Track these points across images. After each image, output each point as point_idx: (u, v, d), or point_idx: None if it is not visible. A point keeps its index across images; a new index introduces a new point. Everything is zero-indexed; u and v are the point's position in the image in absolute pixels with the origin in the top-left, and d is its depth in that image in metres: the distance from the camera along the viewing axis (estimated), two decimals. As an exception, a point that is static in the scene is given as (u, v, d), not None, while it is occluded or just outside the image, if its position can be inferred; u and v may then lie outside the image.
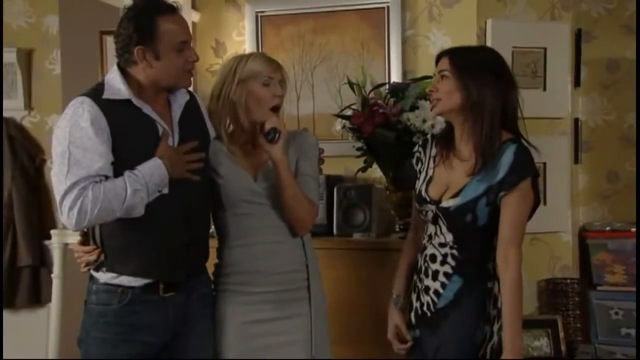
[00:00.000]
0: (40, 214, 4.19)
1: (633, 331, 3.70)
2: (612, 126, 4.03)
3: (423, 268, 2.34)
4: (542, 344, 3.50)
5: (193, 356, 2.39)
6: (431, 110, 2.37)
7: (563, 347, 3.50)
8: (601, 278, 3.80)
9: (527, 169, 2.20)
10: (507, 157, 2.18)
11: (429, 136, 2.47)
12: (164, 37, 2.24)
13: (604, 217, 4.02)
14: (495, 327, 2.22)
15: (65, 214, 2.17)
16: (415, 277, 2.40)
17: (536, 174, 2.24)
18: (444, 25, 3.51)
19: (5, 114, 4.15)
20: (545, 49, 3.63)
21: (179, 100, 2.39)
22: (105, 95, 2.24)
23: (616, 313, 3.76)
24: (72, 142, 2.18)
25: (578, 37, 3.89)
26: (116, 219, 2.22)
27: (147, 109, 2.28)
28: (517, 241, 2.21)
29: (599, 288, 3.79)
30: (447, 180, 2.29)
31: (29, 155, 4.18)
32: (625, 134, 4.01)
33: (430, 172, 2.35)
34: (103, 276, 2.31)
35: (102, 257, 2.31)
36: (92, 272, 2.34)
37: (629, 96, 3.99)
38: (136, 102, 2.27)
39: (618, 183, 4.01)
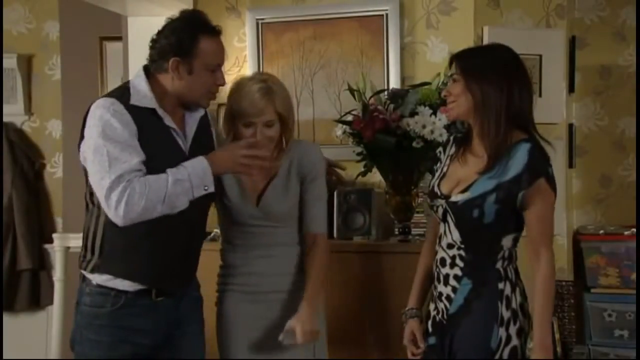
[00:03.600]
0: (40, 218, 4.22)
1: (626, 333, 3.77)
2: (605, 131, 4.11)
3: (436, 274, 2.35)
4: (538, 345, 3.55)
5: (186, 356, 2.44)
6: (448, 113, 2.37)
7: (558, 348, 3.56)
8: (595, 280, 3.86)
9: (541, 169, 2.20)
10: (521, 157, 2.18)
11: (451, 137, 2.48)
12: (201, 55, 2.27)
13: (597, 220, 4.09)
14: (512, 330, 2.22)
15: (113, 208, 2.15)
16: (432, 285, 2.39)
17: (550, 174, 2.23)
18: (442, 32, 3.56)
19: (5, 119, 4.18)
20: (540, 55, 3.68)
21: (194, 116, 2.41)
22: (133, 101, 2.27)
23: (609, 315, 3.82)
24: (108, 140, 2.19)
25: (572, 44, 3.96)
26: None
27: (168, 120, 2.31)
28: (547, 240, 2.23)
29: (592, 290, 3.86)
30: (459, 176, 2.30)
31: (28, 160, 4.21)
32: (617, 139, 4.09)
33: (445, 168, 2.37)
34: (97, 278, 2.32)
35: (96, 259, 2.32)
36: (85, 273, 2.36)
37: (621, 102, 4.07)
38: (160, 112, 2.29)
39: (611, 187, 4.09)
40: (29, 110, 4.25)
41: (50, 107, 4.20)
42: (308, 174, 2.56)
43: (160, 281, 2.34)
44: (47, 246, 4.07)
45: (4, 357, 3.72)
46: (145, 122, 2.26)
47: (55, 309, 3.74)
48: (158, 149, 2.26)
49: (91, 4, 3.91)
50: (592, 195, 4.11)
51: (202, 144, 2.40)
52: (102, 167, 2.17)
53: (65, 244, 3.71)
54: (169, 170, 2.19)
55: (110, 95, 2.30)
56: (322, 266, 2.56)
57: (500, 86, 2.21)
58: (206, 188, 2.22)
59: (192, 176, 2.20)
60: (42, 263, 4.15)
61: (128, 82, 2.36)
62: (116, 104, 2.24)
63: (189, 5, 3.79)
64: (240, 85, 2.50)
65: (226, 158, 2.27)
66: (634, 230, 3.79)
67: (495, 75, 2.22)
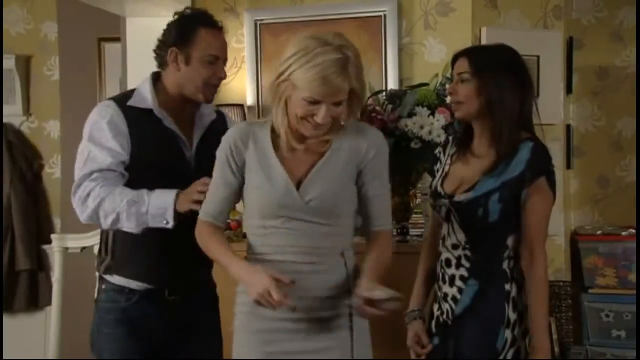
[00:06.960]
0: (39, 218, 4.21)
1: (623, 333, 3.78)
2: (602, 132, 4.12)
3: (440, 275, 2.31)
4: (535, 345, 3.56)
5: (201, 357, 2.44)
6: (453, 113, 2.33)
7: (556, 349, 3.56)
8: (592, 281, 3.87)
9: (543, 167, 2.18)
10: (524, 155, 2.16)
11: (450, 137, 2.46)
12: (199, 45, 2.29)
13: (594, 221, 4.11)
14: (518, 332, 2.20)
15: (75, 204, 2.25)
16: (435, 285, 2.36)
17: (551, 172, 2.21)
18: (440, 33, 3.58)
19: (4, 120, 4.16)
20: (538, 56, 3.69)
21: (204, 120, 2.42)
22: (130, 102, 2.31)
23: (607, 315, 3.83)
24: (92, 141, 2.27)
25: (569, 45, 3.97)
26: None
27: (167, 122, 2.32)
28: (541, 240, 2.20)
29: (590, 291, 3.87)
30: (462, 175, 2.27)
31: (27, 161, 4.19)
32: (615, 140, 4.11)
33: (447, 168, 2.34)
34: (111, 278, 2.38)
35: (109, 260, 2.37)
36: (102, 274, 2.41)
37: (618, 103, 4.09)
38: (157, 112, 2.31)
39: (608, 187, 4.11)
40: (27, 111, 4.23)
41: (48, 108, 4.19)
42: (369, 167, 2.06)
43: (169, 281, 2.36)
44: (45, 247, 4.06)
45: (3, 357, 3.71)
46: (142, 123, 2.29)
47: (54, 310, 3.73)
48: (154, 150, 2.29)
49: (89, 5, 3.91)
50: (589, 195, 4.12)
51: (210, 151, 2.27)
52: (79, 165, 2.27)
53: (63, 244, 3.69)
54: (138, 191, 2.22)
55: (112, 97, 2.37)
56: (380, 263, 2.05)
57: (514, 89, 2.19)
58: (166, 222, 2.20)
59: (152, 205, 2.20)
60: (41, 264, 4.14)
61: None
62: (112, 105, 2.30)
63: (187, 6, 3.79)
64: (309, 49, 1.91)
65: (184, 195, 2.20)
66: (632, 230, 3.81)
67: (509, 77, 2.19)
